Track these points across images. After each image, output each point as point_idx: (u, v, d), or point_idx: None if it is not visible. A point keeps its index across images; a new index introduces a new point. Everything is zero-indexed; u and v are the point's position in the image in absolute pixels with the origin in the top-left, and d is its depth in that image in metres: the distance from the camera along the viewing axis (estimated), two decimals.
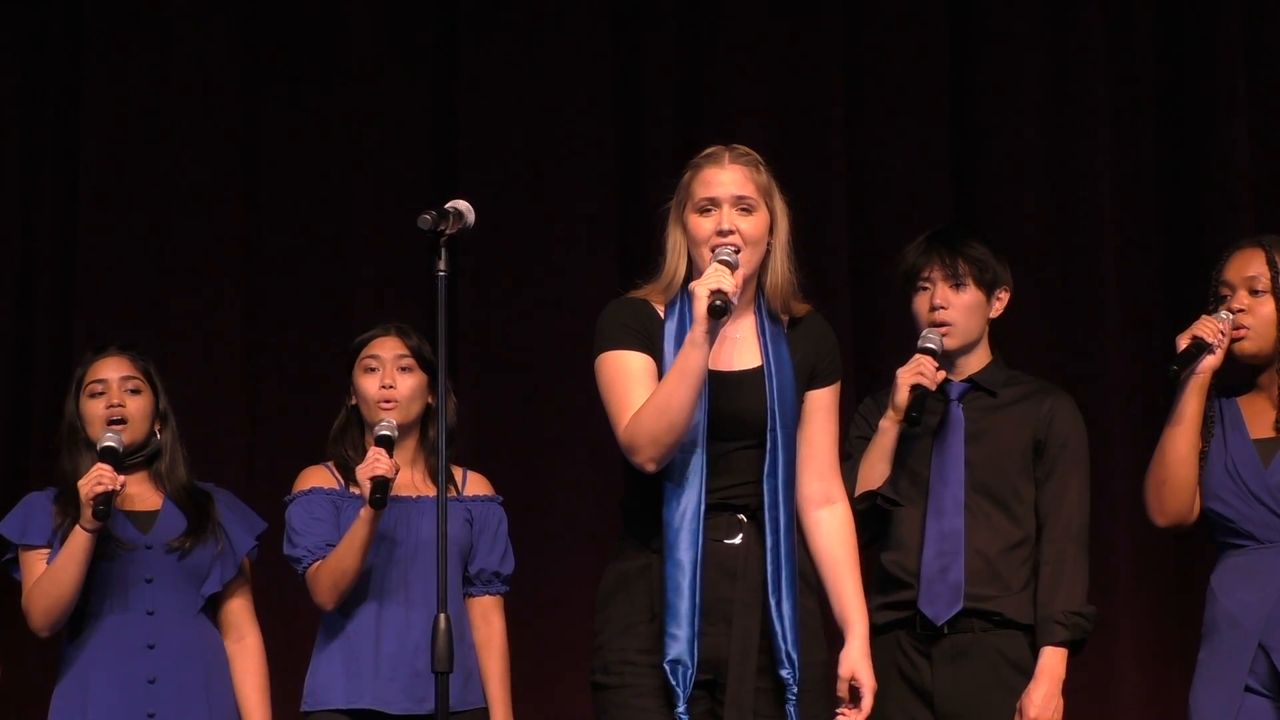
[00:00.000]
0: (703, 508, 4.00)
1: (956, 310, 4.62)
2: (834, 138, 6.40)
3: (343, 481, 4.78)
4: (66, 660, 4.74)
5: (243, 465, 6.16)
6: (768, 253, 4.11)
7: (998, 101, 6.43)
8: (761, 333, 4.13)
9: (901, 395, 4.52)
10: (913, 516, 4.58)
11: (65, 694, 4.72)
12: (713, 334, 3.94)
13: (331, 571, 4.64)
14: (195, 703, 4.71)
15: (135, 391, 4.81)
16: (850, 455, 4.62)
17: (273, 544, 4.86)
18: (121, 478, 4.63)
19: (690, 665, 3.96)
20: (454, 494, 4.78)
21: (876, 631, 4.48)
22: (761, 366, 4.10)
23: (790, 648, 4.01)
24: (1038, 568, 4.54)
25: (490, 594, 4.83)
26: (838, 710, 4.09)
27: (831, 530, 4.16)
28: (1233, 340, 4.50)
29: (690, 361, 3.95)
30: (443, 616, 3.96)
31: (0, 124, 6.34)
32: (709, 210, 4.08)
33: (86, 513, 4.59)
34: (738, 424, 4.06)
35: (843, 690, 4.10)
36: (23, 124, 6.35)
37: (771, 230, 4.11)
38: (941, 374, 4.58)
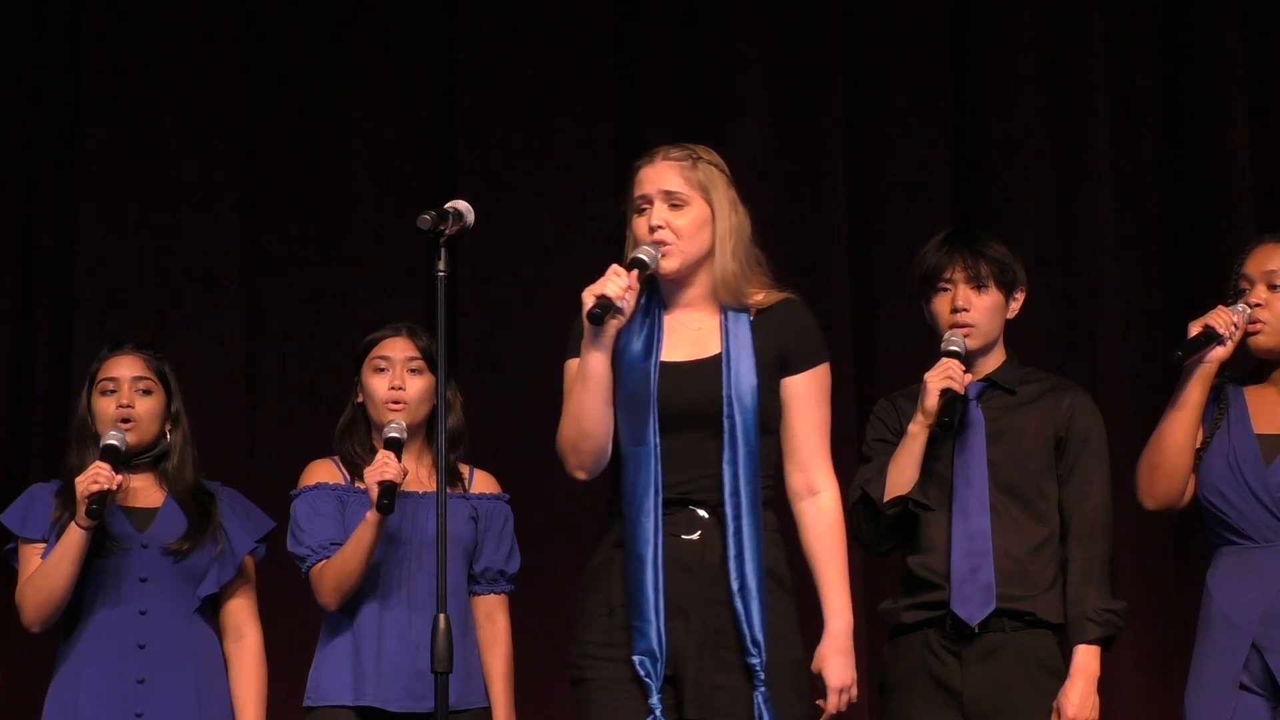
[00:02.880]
0: (659, 500, 4.02)
1: (979, 312, 4.57)
2: (834, 138, 6.40)
3: (348, 476, 4.78)
4: (60, 657, 4.72)
5: (241, 465, 6.15)
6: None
7: (998, 102, 6.43)
8: (724, 321, 4.13)
9: (932, 400, 4.45)
10: (938, 519, 4.52)
11: (58, 691, 4.71)
12: (603, 336, 3.98)
13: (336, 573, 4.64)
14: (185, 705, 4.69)
15: (146, 392, 4.79)
16: (869, 458, 4.59)
17: (275, 540, 4.86)
18: (119, 477, 4.62)
19: (660, 656, 3.97)
20: (460, 491, 4.79)
21: (905, 631, 4.48)
22: (719, 354, 4.10)
23: (756, 633, 4.00)
24: (1063, 565, 4.51)
25: (495, 593, 4.83)
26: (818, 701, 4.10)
27: (811, 522, 4.14)
28: (1247, 334, 4.49)
29: (587, 365, 4.02)
30: (442, 616, 3.96)
31: (1, 124, 6.34)
32: (644, 209, 4.13)
33: (80, 510, 4.58)
34: (694, 414, 4.06)
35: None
36: (23, 124, 6.34)
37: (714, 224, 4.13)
38: (969, 376, 4.54)
